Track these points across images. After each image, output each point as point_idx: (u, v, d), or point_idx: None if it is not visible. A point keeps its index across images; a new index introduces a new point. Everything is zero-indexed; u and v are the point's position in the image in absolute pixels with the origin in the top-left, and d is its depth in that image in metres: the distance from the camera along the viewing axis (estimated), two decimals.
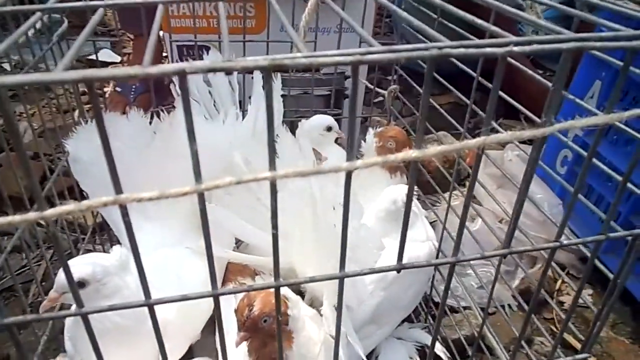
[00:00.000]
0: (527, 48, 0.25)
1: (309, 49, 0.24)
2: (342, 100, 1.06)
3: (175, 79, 0.78)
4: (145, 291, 0.28)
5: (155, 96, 1.45)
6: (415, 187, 0.71)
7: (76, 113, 1.05)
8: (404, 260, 0.56)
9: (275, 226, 0.27)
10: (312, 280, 0.30)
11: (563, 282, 0.98)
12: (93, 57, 0.84)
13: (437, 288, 0.83)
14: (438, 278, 0.85)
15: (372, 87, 0.94)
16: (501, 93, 0.60)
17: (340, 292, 0.30)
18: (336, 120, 0.85)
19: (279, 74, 0.75)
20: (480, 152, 0.28)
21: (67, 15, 0.81)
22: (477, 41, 0.24)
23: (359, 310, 0.61)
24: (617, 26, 0.30)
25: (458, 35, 0.51)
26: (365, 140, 0.78)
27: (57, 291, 0.45)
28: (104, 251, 0.81)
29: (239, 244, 0.73)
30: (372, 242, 0.53)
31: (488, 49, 0.24)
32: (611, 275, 0.42)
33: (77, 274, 0.46)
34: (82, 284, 0.46)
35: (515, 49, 0.24)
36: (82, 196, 0.71)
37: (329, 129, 0.82)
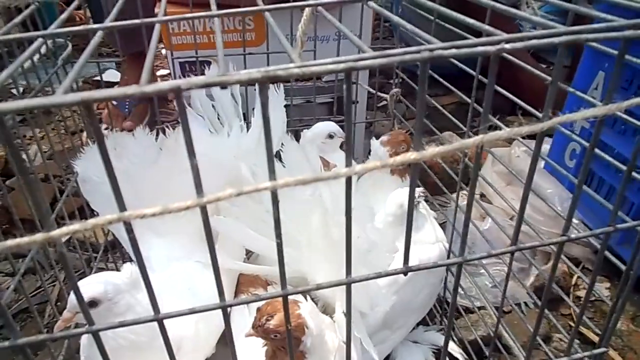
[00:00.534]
0: (518, 44, 0.25)
1: (307, 59, 0.25)
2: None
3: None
4: (154, 306, 0.28)
5: (150, 106, 1.48)
6: (423, 189, 0.71)
7: (84, 134, 1.06)
8: (416, 262, 0.55)
9: (279, 235, 0.27)
10: (319, 287, 0.30)
11: (579, 276, 0.97)
12: (99, 77, 0.85)
13: (450, 289, 0.83)
14: (451, 279, 0.85)
15: (374, 91, 0.94)
16: (503, 91, 0.60)
17: (348, 298, 0.30)
18: (340, 126, 0.85)
19: (281, 85, 0.75)
20: (479, 150, 0.28)
21: (71, 39, 0.83)
22: (468, 41, 0.25)
23: (372, 315, 0.61)
24: (613, 18, 0.30)
25: (457, 36, 0.51)
26: (370, 149, 0.78)
27: (70, 311, 0.46)
28: (117, 269, 0.82)
29: (249, 255, 0.74)
30: (384, 245, 0.53)
31: (480, 48, 0.24)
32: (624, 267, 0.42)
33: (88, 294, 0.46)
34: (94, 303, 0.47)
35: (507, 46, 0.25)
36: (93, 215, 0.72)
37: (331, 136, 0.82)
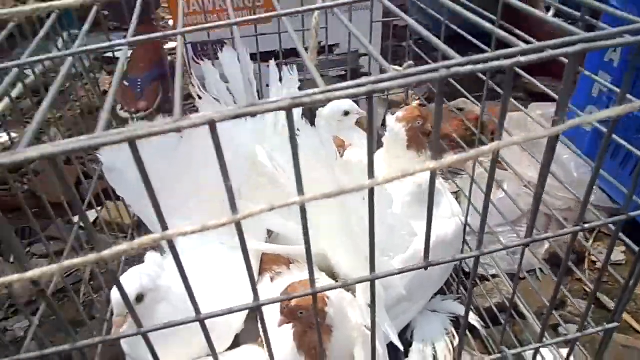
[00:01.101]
0: (534, 56, 0.26)
1: (318, 64, 0.26)
2: (358, 77, 1.06)
3: (194, 80, 0.80)
4: (196, 308, 0.31)
5: (161, 84, 1.49)
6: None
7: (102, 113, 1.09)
8: (432, 238, 0.57)
9: (307, 242, 0.29)
10: (346, 284, 0.32)
11: (595, 240, 0.98)
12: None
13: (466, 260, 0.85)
14: (466, 249, 0.87)
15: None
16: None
17: (372, 294, 0.32)
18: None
19: (294, 65, 0.76)
20: (495, 157, 0.29)
21: (77, 11, 0.83)
22: (484, 55, 0.25)
23: (391, 290, 0.64)
24: (623, 14, 0.30)
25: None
26: (387, 125, 0.78)
27: (120, 315, 0.49)
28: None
29: (270, 234, 0.76)
30: (403, 229, 0.55)
31: (495, 63, 0.25)
32: (637, 249, 0.43)
33: (133, 290, 0.49)
34: (141, 297, 0.50)
35: (522, 59, 0.25)
36: (117, 197, 0.76)
37: (347, 113, 0.83)
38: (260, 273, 0.71)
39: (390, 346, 0.58)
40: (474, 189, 0.73)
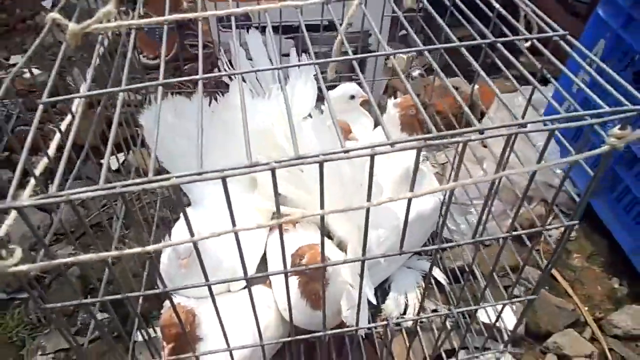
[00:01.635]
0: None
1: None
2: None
3: (222, 57, 0.90)
4: (206, 276, 0.46)
5: (178, 32, 1.56)
6: (424, 152, 0.85)
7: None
8: (413, 214, 0.72)
9: (323, 234, 0.43)
10: (345, 261, 0.47)
11: (554, 218, 1.14)
12: None
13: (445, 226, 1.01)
14: (449, 221, 1.02)
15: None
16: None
17: (362, 274, 0.47)
18: (359, 84, 0.97)
19: (312, 52, 0.86)
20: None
21: None
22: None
23: (374, 252, 0.80)
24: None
25: None
26: (385, 108, 0.91)
27: (184, 256, 0.65)
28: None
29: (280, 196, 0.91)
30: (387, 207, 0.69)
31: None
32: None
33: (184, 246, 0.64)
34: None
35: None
36: (142, 144, 0.88)
37: (352, 97, 0.95)
38: (271, 229, 0.86)
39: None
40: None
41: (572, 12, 1.60)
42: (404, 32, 1.44)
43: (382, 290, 0.90)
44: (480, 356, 0.75)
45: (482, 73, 0.48)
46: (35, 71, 1.62)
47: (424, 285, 0.93)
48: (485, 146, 1.26)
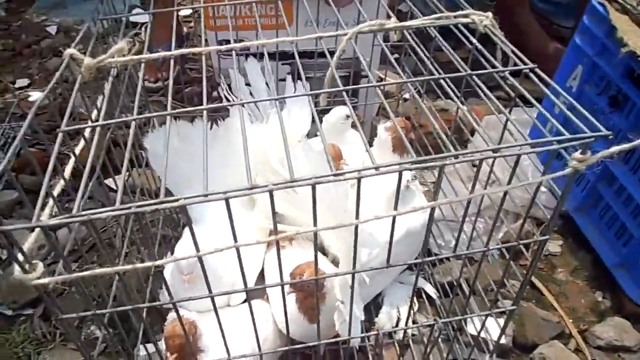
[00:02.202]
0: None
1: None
2: (359, 80, 1.23)
3: (222, 84, 0.96)
4: (209, 288, 0.50)
5: (180, 58, 1.62)
6: (414, 174, 0.90)
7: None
8: (403, 230, 0.76)
9: (316, 249, 0.48)
10: (337, 274, 0.51)
11: (537, 234, 1.19)
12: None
13: (436, 242, 1.06)
14: (436, 233, 1.07)
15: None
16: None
17: (352, 285, 0.51)
18: (353, 106, 1.02)
19: (308, 83, 0.92)
20: (440, 176, 0.48)
21: None
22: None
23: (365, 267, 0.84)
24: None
25: None
26: (378, 131, 0.96)
27: (187, 272, 0.69)
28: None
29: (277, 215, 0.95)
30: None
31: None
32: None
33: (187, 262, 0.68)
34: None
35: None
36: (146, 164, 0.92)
37: (348, 116, 1.00)
38: (269, 245, 0.91)
39: (365, 309, 0.79)
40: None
41: (556, 37, 1.67)
42: (396, 55, 1.51)
43: (376, 304, 0.94)
44: None
45: (460, 105, 0.53)
46: (37, 94, 1.69)
47: (415, 301, 0.97)
48: (474, 166, 1.32)
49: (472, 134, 1.42)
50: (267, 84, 0.94)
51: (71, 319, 0.51)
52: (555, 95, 0.53)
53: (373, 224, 0.74)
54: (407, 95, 1.60)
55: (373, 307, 0.94)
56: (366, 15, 0.73)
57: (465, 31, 0.65)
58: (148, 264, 0.44)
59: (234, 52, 0.62)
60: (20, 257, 0.41)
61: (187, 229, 0.90)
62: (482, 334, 0.80)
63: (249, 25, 1.09)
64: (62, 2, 2.19)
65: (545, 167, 0.50)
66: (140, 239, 0.85)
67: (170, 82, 0.59)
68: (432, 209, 0.53)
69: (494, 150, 0.49)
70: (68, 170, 0.55)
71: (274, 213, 0.45)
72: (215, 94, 1.25)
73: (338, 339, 0.65)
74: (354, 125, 1.05)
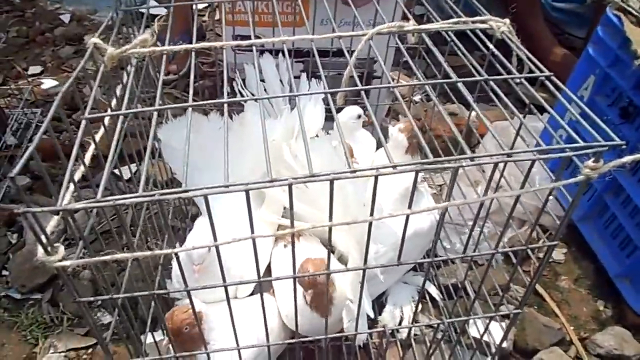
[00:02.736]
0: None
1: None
2: (372, 81, 1.24)
3: (237, 79, 0.97)
4: (223, 276, 0.51)
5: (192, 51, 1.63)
6: (424, 175, 0.91)
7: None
8: (410, 231, 0.77)
9: (329, 243, 0.49)
10: (348, 269, 0.52)
11: (543, 241, 1.19)
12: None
13: (442, 242, 1.06)
14: (442, 236, 1.08)
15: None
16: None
17: (362, 282, 0.52)
18: (363, 107, 1.04)
19: (322, 79, 0.93)
20: (454, 176, 0.49)
21: None
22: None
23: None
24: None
25: None
26: (390, 132, 0.97)
27: (198, 262, 0.70)
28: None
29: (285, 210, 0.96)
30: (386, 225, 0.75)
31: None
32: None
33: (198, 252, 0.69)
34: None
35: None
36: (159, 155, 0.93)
37: (359, 116, 1.01)
38: (276, 240, 0.92)
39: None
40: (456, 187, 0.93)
41: (568, 47, 1.68)
42: (406, 59, 1.52)
43: (379, 303, 0.95)
44: None
45: (476, 109, 0.54)
46: (50, 82, 1.70)
47: (420, 298, 0.98)
48: (483, 171, 1.33)
49: (479, 141, 1.43)
50: (280, 80, 0.95)
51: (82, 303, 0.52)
52: (568, 103, 0.54)
53: (381, 223, 0.76)
54: (417, 98, 1.61)
55: (377, 306, 0.95)
56: (384, 17, 0.74)
57: (483, 36, 0.66)
58: (167, 250, 0.45)
59: (254, 48, 0.63)
60: (43, 239, 0.42)
61: (197, 221, 0.91)
62: (485, 337, 0.81)
63: (266, 22, 1.10)
64: None
65: (557, 173, 0.51)
66: (154, 227, 0.87)
67: (192, 74, 0.60)
68: (444, 210, 0.54)
69: (509, 155, 0.50)
70: (88, 157, 0.56)
71: (292, 206, 0.46)
72: (228, 88, 1.26)
73: (343, 334, 0.66)
74: (364, 125, 1.06)
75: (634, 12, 0.96)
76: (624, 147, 0.48)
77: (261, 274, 0.86)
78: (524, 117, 0.61)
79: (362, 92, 0.55)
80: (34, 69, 1.72)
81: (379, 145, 1.09)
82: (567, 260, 1.12)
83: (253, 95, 0.95)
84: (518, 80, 0.62)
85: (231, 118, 0.88)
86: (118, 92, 0.71)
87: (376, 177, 0.44)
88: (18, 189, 0.41)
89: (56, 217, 0.46)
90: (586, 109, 0.52)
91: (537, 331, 0.95)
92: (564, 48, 1.63)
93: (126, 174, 1.13)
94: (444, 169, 0.46)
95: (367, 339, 0.86)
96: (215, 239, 0.48)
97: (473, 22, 0.65)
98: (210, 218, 0.46)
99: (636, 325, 0.97)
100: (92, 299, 0.51)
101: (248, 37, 1.09)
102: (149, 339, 0.77)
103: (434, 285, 1.01)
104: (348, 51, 0.66)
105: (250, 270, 0.83)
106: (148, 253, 0.45)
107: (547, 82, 0.56)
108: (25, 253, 1.05)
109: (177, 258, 0.52)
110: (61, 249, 0.45)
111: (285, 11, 1.08)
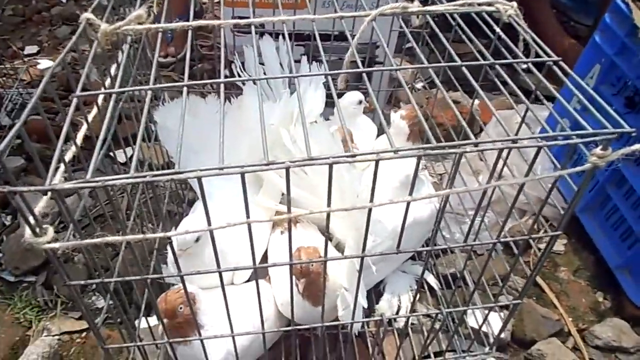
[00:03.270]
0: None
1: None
2: (373, 66, 1.21)
3: (236, 61, 0.95)
4: (218, 262, 0.50)
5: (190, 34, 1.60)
6: (423, 161, 0.89)
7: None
8: (410, 220, 0.76)
9: (326, 231, 0.47)
10: (345, 257, 0.51)
11: (545, 231, 1.18)
12: None
13: (441, 231, 1.05)
14: (442, 225, 1.06)
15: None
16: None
17: (360, 271, 0.51)
18: (364, 93, 1.02)
19: (324, 61, 0.91)
20: (457, 162, 0.47)
21: None
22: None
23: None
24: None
25: None
26: (392, 119, 0.95)
27: (182, 249, 0.68)
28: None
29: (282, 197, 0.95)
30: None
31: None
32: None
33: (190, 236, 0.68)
34: (197, 239, 0.69)
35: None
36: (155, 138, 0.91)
37: (360, 102, 0.99)
38: (273, 226, 0.90)
39: (366, 296, 0.79)
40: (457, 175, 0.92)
41: (574, 35, 1.65)
42: (409, 44, 1.49)
43: (377, 292, 0.94)
44: (467, 357, 0.79)
45: (481, 92, 0.52)
46: (47, 62, 1.67)
47: (416, 288, 0.97)
48: (485, 159, 1.31)
49: (481, 130, 1.41)
50: (280, 64, 0.93)
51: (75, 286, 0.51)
52: (575, 90, 0.52)
53: (380, 211, 0.75)
54: (418, 85, 1.58)
55: (374, 295, 0.94)
56: None
57: (489, 19, 0.63)
58: (160, 234, 0.43)
59: (252, 28, 0.61)
60: (31, 220, 0.41)
61: (194, 206, 0.89)
62: (483, 327, 0.81)
63: (266, 4, 1.07)
64: None
65: (564, 161, 0.50)
66: (150, 212, 0.85)
67: (188, 53, 0.58)
68: (447, 197, 0.53)
69: (514, 141, 0.48)
70: (80, 137, 0.54)
71: (289, 191, 0.45)
72: (227, 71, 1.24)
73: (339, 322, 0.65)
74: (365, 112, 1.05)
75: None
76: (632, 135, 0.46)
77: (257, 261, 0.86)
78: (531, 103, 0.59)
79: (364, 76, 0.53)
80: (30, 49, 1.69)
81: (380, 132, 1.07)
82: (567, 251, 1.11)
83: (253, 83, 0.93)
84: (524, 65, 0.60)
85: (229, 101, 0.86)
86: (113, 71, 0.69)
87: (377, 162, 0.43)
88: (4, 167, 0.39)
89: (45, 198, 0.44)
90: (595, 94, 0.50)
91: (536, 322, 0.94)
92: (570, 36, 1.61)
93: (122, 158, 1.12)
94: (447, 155, 0.45)
95: (362, 326, 0.85)
96: (209, 224, 0.46)
97: (479, 4, 0.63)
98: (204, 201, 0.45)
99: (635, 317, 0.96)
100: (82, 282, 0.49)
101: (242, 17, 1.07)
102: (143, 324, 0.77)
103: (433, 274, 1.00)
104: (350, 34, 0.64)
105: (247, 256, 0.82)
106: (140, 236, 0.43)
107: (555, 67, 0.55)
108: (19, 235, 1.03)
109: (171, 243, 0.51)
110: (50, 231, 0.43)
111: None
